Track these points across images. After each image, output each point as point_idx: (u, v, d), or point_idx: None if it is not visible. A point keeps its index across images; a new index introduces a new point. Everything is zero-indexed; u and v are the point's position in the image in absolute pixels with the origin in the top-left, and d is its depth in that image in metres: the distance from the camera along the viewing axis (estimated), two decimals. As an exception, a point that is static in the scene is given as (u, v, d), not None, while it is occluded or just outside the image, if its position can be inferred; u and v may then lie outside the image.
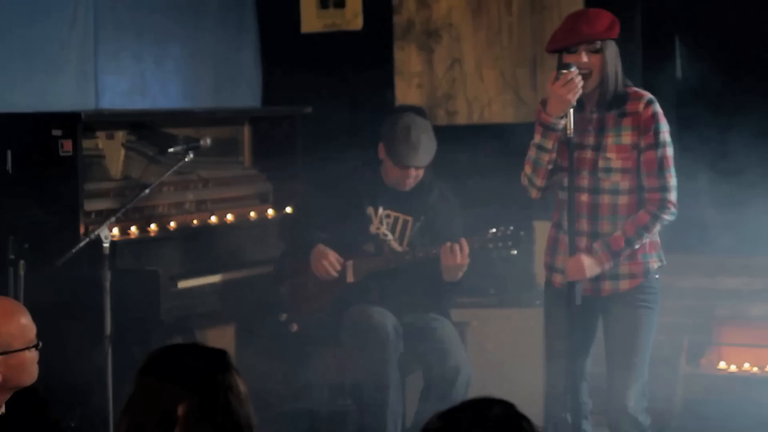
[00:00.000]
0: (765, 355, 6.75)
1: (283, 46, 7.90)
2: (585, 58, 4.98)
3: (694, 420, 6.69)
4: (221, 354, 2.95)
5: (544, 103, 5.13)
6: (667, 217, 5.07)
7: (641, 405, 5.10)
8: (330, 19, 7.83)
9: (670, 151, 5.08)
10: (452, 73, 7.63)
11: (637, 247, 5.06)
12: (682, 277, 7.04)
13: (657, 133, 5.04)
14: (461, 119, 7.58)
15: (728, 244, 7.11)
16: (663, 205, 5.04)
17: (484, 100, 7.55)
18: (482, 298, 6.98)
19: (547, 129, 5.01)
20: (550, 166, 5.09)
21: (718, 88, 7.24)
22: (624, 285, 5.11)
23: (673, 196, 5.06)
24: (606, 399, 5.17)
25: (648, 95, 5.10)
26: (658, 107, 5.07)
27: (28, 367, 3.87)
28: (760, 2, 7.09)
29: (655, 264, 5.15)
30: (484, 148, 7.23)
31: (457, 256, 5.86)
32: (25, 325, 3.87)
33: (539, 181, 5.13)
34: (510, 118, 7.46)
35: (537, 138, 5.07)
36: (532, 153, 5.11)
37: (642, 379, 5.12)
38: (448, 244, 5.89)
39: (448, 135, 7.03)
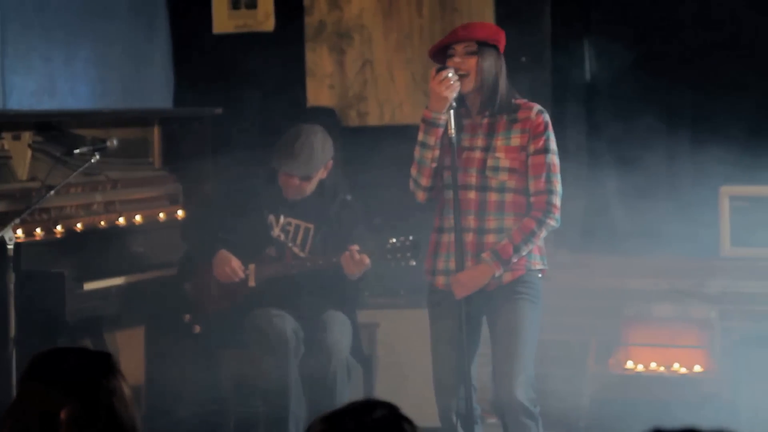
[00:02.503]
0: (671, 355, 6.76)
1: (194, 47, 7.84)
2: (459, 59, 5.05)
3: (602, 419, 6.68)
4: (105, 357, 2.91)
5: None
6: (552, 223, 5.14)
7: (529, 394, 5.10)
8: (242, 20, 7.77)
9: (557, 159, 5.16)
10: (364, 74, 7.61)
11: (524, 253, 5.11)
12: (589, 278, 7.10)
13: (547, 139, 5.13)
14: (372, 120, 7.57)
15: (636, 245, 7.16)
16: (548, 209, 5.12)
17: (396, 102, 7.58)
18: (392, 299, 7.02)
19: (429, 125, 5.06)
20: (434, 164, 5.12)
21: (626, 91, 7.29)
22: (506, 277, 5.14)
23: (557, 200, 5.13)
24: (495, 391, 5.18)
25: (538, 106, 5.18)
26: (548, 117, 5.16)
27: None
28: (666, 5, 7.19)
29: (537, 264, 5.20)
30: (395, 150, 7.03)
31: (357, 263, 5.86)
32: None
33: (424, 181, 5.16)
34: (419, 120, 7.15)
35: (420, 136, 5.13)
36: (416, 153, 5.16)
37: (528, 370, 5.12)
38: (347, 252, 5.87)
39: (360, 136, 7.12)
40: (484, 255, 5.11)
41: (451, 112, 5.04)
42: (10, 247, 5.55)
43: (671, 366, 6.74)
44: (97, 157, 6.11)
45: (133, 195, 6.79)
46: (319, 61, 7.68)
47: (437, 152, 5.12)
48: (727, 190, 6.87)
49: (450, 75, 4.99)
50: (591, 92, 7.46)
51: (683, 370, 6.69)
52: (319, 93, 7.68)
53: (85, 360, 2.94)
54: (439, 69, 5.05)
